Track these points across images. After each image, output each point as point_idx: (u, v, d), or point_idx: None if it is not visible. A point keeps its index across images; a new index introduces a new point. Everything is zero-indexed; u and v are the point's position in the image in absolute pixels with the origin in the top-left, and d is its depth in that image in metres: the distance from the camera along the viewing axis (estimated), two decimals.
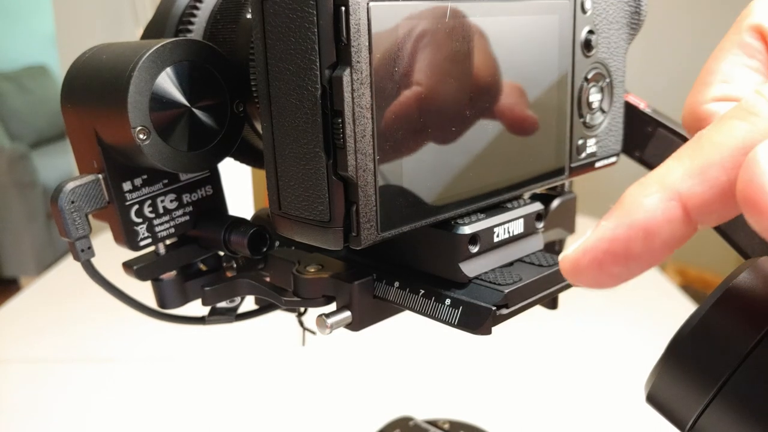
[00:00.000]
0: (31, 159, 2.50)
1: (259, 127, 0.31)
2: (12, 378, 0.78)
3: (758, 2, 0.19)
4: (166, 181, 0.30)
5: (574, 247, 0.17)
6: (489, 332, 0.25)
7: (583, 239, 0.17)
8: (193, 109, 0.28)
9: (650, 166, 0.36)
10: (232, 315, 0.35)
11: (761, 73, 0.19)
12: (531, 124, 0.28)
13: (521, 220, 0.29)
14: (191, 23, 0.32)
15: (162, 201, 0.30)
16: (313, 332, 0.37)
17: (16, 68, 3.11)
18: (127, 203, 0.29)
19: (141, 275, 0.31)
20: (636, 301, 0.94)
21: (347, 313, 0.28)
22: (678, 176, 0.16)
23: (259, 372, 0.77)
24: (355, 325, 0.28)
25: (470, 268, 0.27)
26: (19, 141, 2.68)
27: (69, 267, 1.10)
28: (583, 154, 0.32)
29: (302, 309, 0.36)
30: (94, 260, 0.30)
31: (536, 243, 0.30)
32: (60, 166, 2.66)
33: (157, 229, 0.30)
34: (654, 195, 0.16)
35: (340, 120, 0.22)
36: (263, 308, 0.35)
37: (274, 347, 0.81)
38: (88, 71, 0.28)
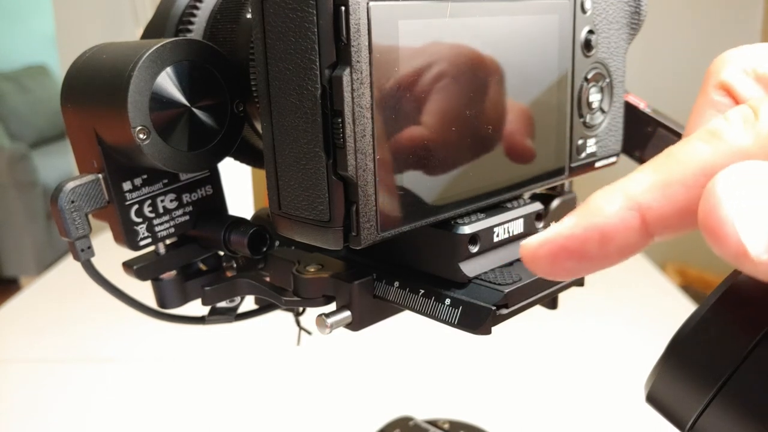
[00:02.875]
0: (31, 159, 2.50)
1: (259, 126, 0.31)
2: (12, 378, 0.78)
3: (718, 60, 0.20)
4: (166, 180, 0.30)
5: (536, 236, 0.18)
6: (489, 332, 0.25)
7: (545, 231, 0.18)
8: (193, 109, 0.28)
9: None
10: (232, 315, 0.35)
11: None
12: (528, 153, 0.28)
13: (521, 220, 0.29)
14: (191, 23, 0.32)
15: (162, 201, 0.30)
16: (309, 332, 0.37)
17: (16, 68, 3.11)
18: (127, 203, 0.29)
19: (141, 275, 0.31)
20: (636, 301, 0.94)
21: (347, 313, 0.28)
22: (641, 188, 0.16)
23: (259, 372, 0.77)
24: (355, 325, 0.28)
25: (470, 268, 0.27)
26: (19, 141, 2.68)
27: (69, 267, 1.10)
28: (583, 154, 0.32)
29: (300, 309, 0.36)
30: (94, 260, 0.30)
31: None
32: (60, 166, 2.66)
33: (157, 228, 0.30)
34: (616, 202, 0.16)
35: (340, 120, 0.22)
36: (263, 308, 0.35)
37: (274, 347, 0.81)
38: (88, 71, 0.28)
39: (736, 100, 0.19)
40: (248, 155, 0.33)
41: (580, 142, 0.31)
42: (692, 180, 0.16)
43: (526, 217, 0.29)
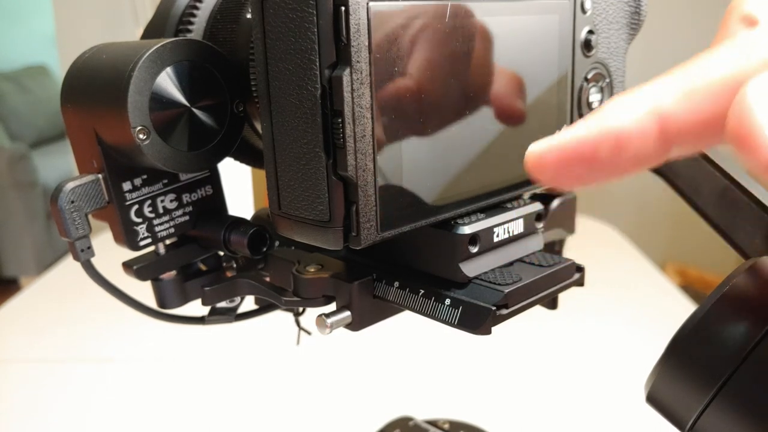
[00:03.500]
0: (31, 159, 2.50)
1: (259, 127, 0.31)
2: (12, 378, 0.78)
3: None
4: (165, 181, 0.30)
5: (543, 141, 0.17)
6: (489, 332, 0.25)
7: (554, 136, 0.17)
8: (193, 109, 0.28)
9: None
10: (232, 315, 0.35)
11: None
12: (518, 113, 0.27)
13: (521, 220, 0.29)
14: (191, 23, 0.32)
15: (162, 201, 0.30)
16: (309, 332, 0.37)
17: (16, 68, 3.11)
18: (127, 203, 0.29)
19: (141, 275, 0.31)
20: (636, 301, 0.94)
21: (347, 313, 0.28)
22: (663, 94, 0.15)
23: (259, 372, 0.77)
24: (354, 325, 0.28)
25: (470, 268, 0.27)
26: (19, 141, 2.68)
27: (69, 267, 1.10)
28: None
29: (300, 309, 0.36)
30: (94, 260, 0.30)
31: (536, 243, 0.30)
32: (60, 166, 2.66)
33: (157, 229, 0.30)
34: (636, 107, 0.15)
35: (340, 120, 0.22)
36: (263, 308, 0.35)
37: (274, 347, 0.81)
38: (88, 71, 0.28)
39: None
40: (248, 155, 0.33)
41: None
42: (720, 88, 0.15)
43: (526, 217, 0.29)
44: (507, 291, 0.25)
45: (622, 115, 0.15)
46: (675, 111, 0.15)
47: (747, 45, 0.15)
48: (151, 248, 0.31)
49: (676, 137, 0.15)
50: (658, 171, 0.32)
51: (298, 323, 0.37)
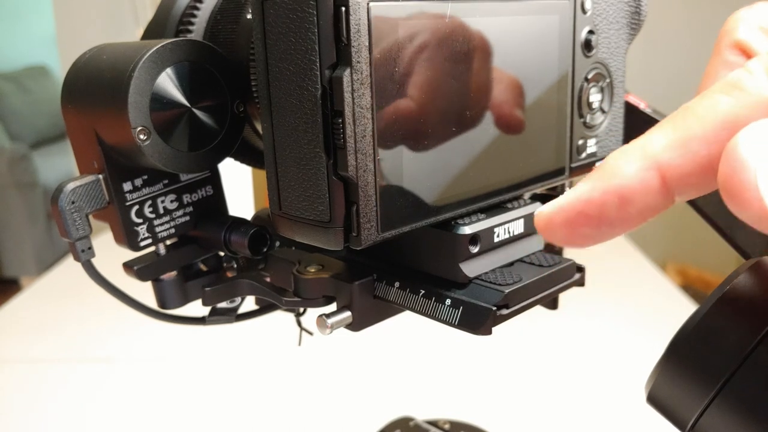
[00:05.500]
0: (31, 159, 2.50)
1: (259, 127, 0.31)
2: (12, 378, 0.78)
3: (731, 20, 0.20)
4: (166, 181, 0.30)
5: (550, 204, 0.17)
6: (489, 332, 0.25)
7: (560, 198, 0.17)
8: (194, 110, 0.28)
9: None
10: (233, 315, 0.35)
11: None
12: (516, 123, 0.27)
13: (521, 220, 0.29)
14: (191, 23, 0.32)
15: (162, 201, 0.30)
16: (310, 333, 0.37)
17: (16, 68, 3.11)
18: (128, 203, 0.29)
19: (141, 275, 0.31)
20: (636, 301, 0.94)
21: (347, 314, 0.28)
22: (659, 146, 0.15)
23: (259, 372, 0.77)
24: (355, 326, 0.28)
25: (470, 269, 0.27)
26: (19, 141, 2.67)
27: (69, 267, 1.10)
28: (584, 155, 0.32)
29: (301, 309, 0.36)
30: (94, 260, 0.30)
31: (536, 243, 0.30)
32: (60, 166, 2.66)
33: (158, 229, 0.30)
34: (634, 162, 0.16)
35: (340, 120, 0.22)
36: (263, 308, 0.35)
37: (275, 347, 0.81)
38: (89, 71, 0.28)
39: None
40: (249, 156, 0.33)
41: (580, 142, 0.31)
42: (714, 135, 0.15)
43: (526, 217, 0.29)
44: (507, 291, 0.25)
45: (623, 172, 0.16)
46: (674, 161, 0.15)
47: (739, 87, 0.15)
48: (152, 249, 0.31)
49: (678, 186, 0.15)
50: None
51: (299, 324, 0.37)
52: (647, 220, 0.16)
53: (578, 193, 0.16)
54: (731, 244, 0.33)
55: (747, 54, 0.19)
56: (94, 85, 0.28)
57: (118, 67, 0.26)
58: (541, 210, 0.17)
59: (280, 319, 0.39)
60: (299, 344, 0.37)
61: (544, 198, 0.34)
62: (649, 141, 0.16)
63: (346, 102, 0.22)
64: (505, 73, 0.26)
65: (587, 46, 0.30)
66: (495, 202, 0.28)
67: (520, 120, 0.27)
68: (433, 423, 0.52)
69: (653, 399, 0.19)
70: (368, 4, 0.21)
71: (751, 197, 0.13)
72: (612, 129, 0.33)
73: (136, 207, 0.29)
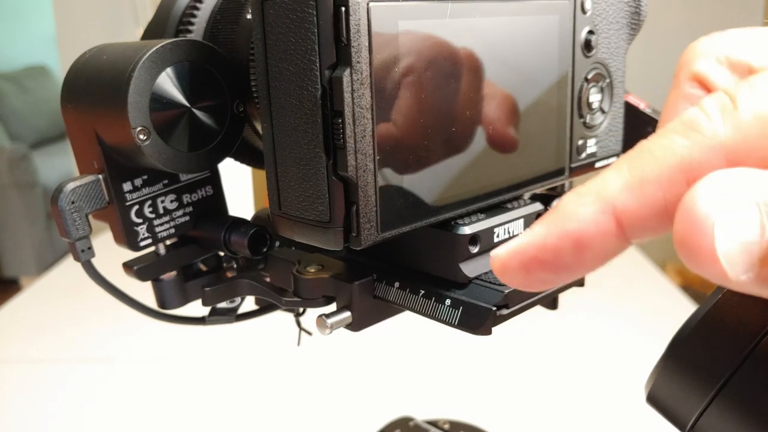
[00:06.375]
0: (31, 159, 2.50)
1: (259, 127, 0.31)
2: (12, 378, 0.78)
3: (689, 51, 0.19)
4: (166, 181, 0.30)
5: (505, 246, 0.16)
6: (489, 332, 0.25)
7: (515, 240, 0.16)
8: (194, 110, 0.28)
9: None
10: (233, 315, 0.35)
11: None
12: (510, 142, 0.27)
13: (521, 221, 0.29)
14: (191, 23, 0.32)
15: (162, 201, 0.30)
16: (310, 333, 0.37)
17: (16, 68, 3.11)
18: (128, 203, 0.29)
19: (141, 275, 0.31)
20: (636, 301, 0.94)
21: (347, 314, 0.28)
22: (615, 189, 0.15)
23: (259, 372, 0.77)
24: (355, 326, 0.28)
25: (470, 269, 0.27)
26: (19, 141, 2.67)
27: (69, 267, 1.10)
28: (584, 155, 0.32)
29: (301, 309, 0.36)
30: (94, 260, 0.30)
31: None
32: (60, 166, 2.66)
33: (158, 229, 0.30)
34: (589, 206, 0.15)
35: (340, 120, 0.22)
36: (263, 308, 0.35)
37: (274, 347, 0.81)
38: (89, 71, 0.28)
39: (711, 92, 0.18)
40: (248, 156, 0.33)
41: (580, 142, 0.31)
42: (669, 178, 0.15)
43: (526, 217, 0.29)
44: (507, 291, 0.25)
45: (578, 215, 0.15)
46: (629, 204, 0.15)
47: (695, 128, 0.15)
48: (152, 249, 0.31)
49: (634, 230, 0.15)
50: None
51: (298, 324, 0.37)
52: (604, 264, 0.16)
53: (533, 237, 0.16)
54: None
55: (705, 86, 0.18)
56: (94, 85, 0.28)
57: (117, 67, 0.26)
58: (496, 253, 0.17)
59: (280, 319, 0.39)
60: (298, 344, 0.37)
61: (544, 198, 0.34)
62: (605, 182, 0.15)
63: (345, 102, 0.22)
64: (505, 74, 0.26)
65: (587, 46, 0.30)
66: (495, 203, 0.28)
67: (513, 138, 0.27)
68: (433, 423, 0.52)
69: (653, 399, 0.19)
70: (368, 4, 0.21)
71: (709, 259, 0.13)
72: (612, 129, 0.33)
73: (136, 207, 0.29)
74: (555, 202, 0.34)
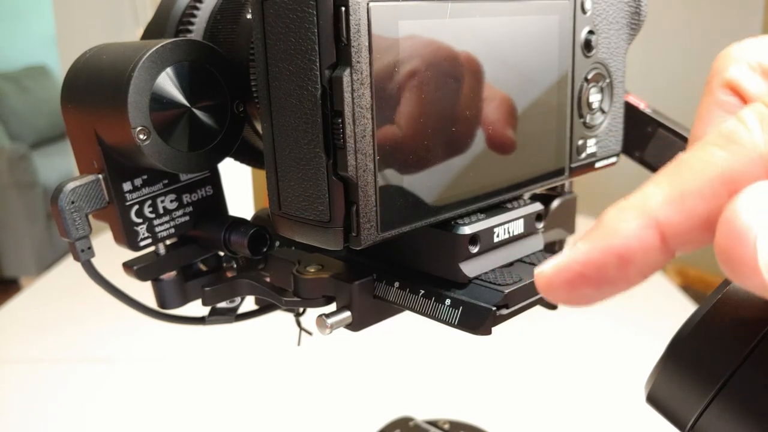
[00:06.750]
0: (31, 159, 2.50)
1: (259, 127, 0.31)
2: (12, 378, 0.78)
3: (721, 57, 0.19)
4: (166, 181, 0.30)
5: (550, 264, 0.16)
6: (489, 332, 0.25)
7: (559, 257, 0.16)
8: (194, 110, 0.28)
9: (650, 166, 0.36)
10: (232, 315, 0.35)
11: None
12: (508, 144, 0.27)
13: (521, 221, 0.29)
14: (191, 23, 0.32)
15: (162, 201, 0.30)
16: (310, 333, 0.37)
17: (16, 68, 3.11)
18: (128, 203, 0.29)
19: (141, 275, 0.31)
20: (636, 301, 0.94)
21: (347, 314, 0.28)
22: (656, 203, 0.15)
23: (259, 372, 0.77)
24: (355, 326, 0.28)
25: (470, 269, 0.27)
26: (19, 141, 2.67)
27: (69, 267, 1.10)
28: (583, 155, 0.32)
29: (301, 309, 0.36)
30: (94, 260, 0.30)
31: (536, 243, 0.30)
32: (60, 166, 2.66)
33: (157, 229, 0.30)
34: (631, 220, 0.15)
35: (340, 120, 0.22)
36: (263, 308, 0.35)
37: (274, 347, 0.81)
38: (89, 71, 0.28)
39: (744, 99, 0.18)
40: (248, 156, 0.33)
41: (580, 142, 0.31)
42: (710, 191, 0.15)
43: (526, 217, 0.29)
44: (507, 291, 0.25)
45: (621, 231, 0.15)
46: (672, 217, 0.15)
47: (734, 140, 0.15)
48: (152, 248, 0.31)
49: (678, 243, 0.15)
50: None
51: (298, 324, 0.37)
52: (649, 277, 0.16)
53: (577, 253, 0.16)
54: None
55: (739, 93, 0.18)
56: (94, 85, 0.28)
57: (117, 67, 0.26)
58: (541, 270, 0.17)
59: (280, 319, 0.39)
60: (298, 344, 0.37)
61: (544, 198, 0.34)
62: (646, 196, 0.15)
63: (345, 102, 0.22)
64: (505, 74, 0.26)
65: (587, 46, 0.30)
66: (495, 202, 0.28)
67: (518, 121, 0.27)
68: (433, 423, 0.51)
69: (653, 399, 0.19)
70: (368, 4, 0.21)
71: (751, 270, 0.13)
72: (612, 129, 0.33)
73: (136, 207, 0.29)
74: (555, 202, 0.34)
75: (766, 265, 0.13)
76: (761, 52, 0.18)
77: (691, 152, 0.16)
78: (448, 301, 0.26)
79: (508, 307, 0.25)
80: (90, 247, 0.29)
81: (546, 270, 0.17)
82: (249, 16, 0.30)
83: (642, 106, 0.36)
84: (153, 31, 0.32)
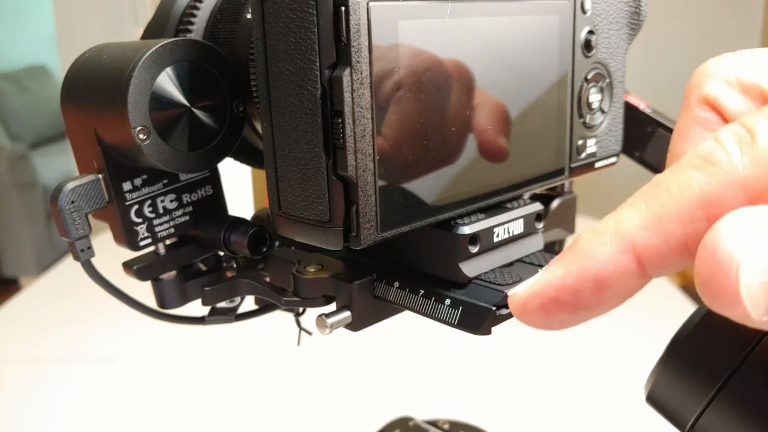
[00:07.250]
0: (31, 159, 2.50)
1: (259, 127, 0.31)
2: (12, 378, 0.78)
3: (698, 73, 0.19)
4: (166, 181, 0.30)
5: (524, 286, 0.16)
6: (489, 332, 0.25)
7: (533, 280, 0.16)
8: (193, 109, 0.28)
9: (650, 166, 0.36)
10: (232, 315, 0.35)
11: None
12: (501, 152, 0.27)
13: (521, 221, 0.29)
14: (191, 23, 0.32)
15: (162, 201, 0.30)
16: (309, 332, 0.37)
17: (16, 68, 3.11)
18: (127, 203, 0.29)
19: (141, 275, 0.31)
20: (636, 301, 0.93)
21: (347, 313, 0.28)
22: (633, 226, 0.15)
23: (259, 372, 0.77)
24: (354, 325, 0.28)
25: (470, 268, 0.27)
26: (19, 141, 2.68)
27: (69, 267, 1.10)
28: (583, 155, 0.32)
29: (300, 309, 0.36)
30: (94, 260, 0.30)
31: (536, 243, 0.30)
32: (60, 166, 2.66)
33: (157, 229, 0.30)
34: (608, 245, 0.15)
35: (340, 120, 0.22)
36: (263, 308, 0.35)
37: (274, 347, 0.81)
38: (89, 71, 0.28)
39: (723, 115, 0.18)
40: (248, 155, 0.33)
41: (580, 142, 0.31)
42: (688, 215, 0.14)
43: (526, 217, 0.29)
44: (507, 291, 0.25)
45: (597, 255, 0.15)
46: (648, 242, 0.15)
47: (712, 163, 0.14)
48: (151, 248, 0.31)
49: (654, 267, 0.15)
50: (658, 171, 0.32)
51: (298, 323, 0.37)
52: (625, 302, 0.16)
53: (552, 277, 0.16)
54: None
55: (717, 109, 0.18)
56: (94, 85, 0.28)
57: (117, 67, 0.26)
58: (515, 292, 0.16)
59: (280, 319, 0.39)
60: (298, 344, 0.37)
61: (544, 198, 0.34)
62: (623, 220, 0.15)
63: (345, 102, 0.22)
64: (505, 74, 0.26)
65: (587, 46, 0.30)
66: (495, 202, 0.28)
67: (505, 147, 0.27)
68: (433, 423, 0.51)
69: (653, 399, 0.19)
70: (368, 4, 0.21)
71: (733, 300, 0.13)
72: (612, 129, 0.33)
73: (136, 207, 0.29)
74: (555, 202, 0.34)
75: (748, 294, 0.13)
76: (738, 66, 0.18)
77: (668, 174, 0.15)
78: (447, 301, 0.26)
79: (507, 307, 0.25)
80: (90, 247, 0.29)
81: (520, 293, 0.16)
82: (249, 16, 0.30)
83: (642, 106, 0.36)
84: (153, 31, 0.32)
